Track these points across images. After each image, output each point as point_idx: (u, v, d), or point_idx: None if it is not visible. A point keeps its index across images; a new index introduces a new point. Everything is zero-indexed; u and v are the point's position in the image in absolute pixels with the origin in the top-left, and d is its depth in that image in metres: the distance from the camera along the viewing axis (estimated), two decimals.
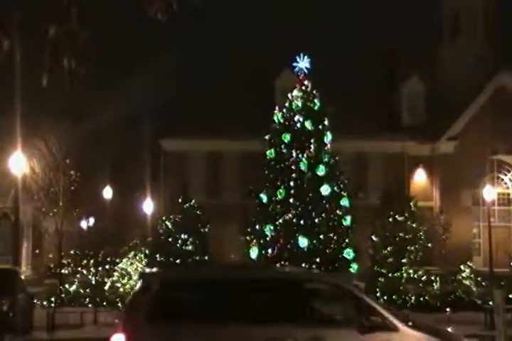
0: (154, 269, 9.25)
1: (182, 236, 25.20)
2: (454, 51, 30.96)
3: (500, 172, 29.69)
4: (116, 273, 19.92)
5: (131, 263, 20.56)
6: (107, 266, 20.28)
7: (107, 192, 22.18)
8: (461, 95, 29.15)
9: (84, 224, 27.53)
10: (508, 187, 29.73)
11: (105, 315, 15.76)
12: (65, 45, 4.18)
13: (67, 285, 19.24)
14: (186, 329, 6.55)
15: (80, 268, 20.84)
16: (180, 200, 25.82)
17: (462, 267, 21.52)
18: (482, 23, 31.39)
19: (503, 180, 29.72)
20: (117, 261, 20.74)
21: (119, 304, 16.98)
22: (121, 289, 18.24)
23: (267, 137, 23.14)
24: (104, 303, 17.52)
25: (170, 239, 25.10)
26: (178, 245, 25.06)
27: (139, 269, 19.91)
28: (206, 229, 26.01)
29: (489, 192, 25.47)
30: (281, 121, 22.99)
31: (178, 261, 24.83)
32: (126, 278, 19.77)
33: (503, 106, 28.57)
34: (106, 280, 19.26)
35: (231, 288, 6.80)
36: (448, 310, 17.41)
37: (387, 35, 32.05)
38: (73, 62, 4.27)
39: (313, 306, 6.91)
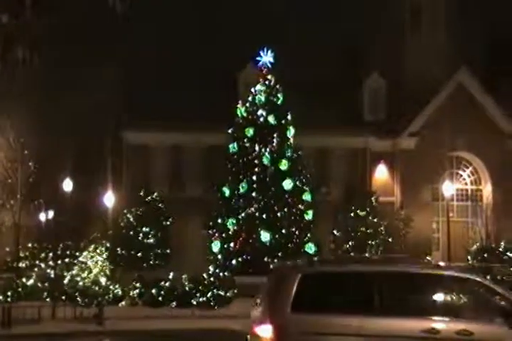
0: (294, 261, 9.47)
1: (143, 229, 25.06)
2: (415, 48, 31.30)
3: (459, 168, 30.20)
4: (76, 267, 19.67)
5: (92, 257, 20.33)
6: (67, 260, 20.01)
7: (67, 185, 21.83)
8: (423, 92, 29.54)
9: (42, 217, 27.08)
10: (466, 183, 30.28)
11: (64, 309, 15.51)
12: (18, 34, 4.06)
13: (24, 279, 18.89)
14: (334, 320, 6.76)
15: (38, 262, 20.51)
16: (142, 193, 25.65)
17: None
18: (443, 20, 31.79)
19: (461, 176, 30.26)
20: (77, 254, 20.47)
21: (78, 298, 16.76)
22: (80, 283, 17.98)
23: (230, 131, 23.11)
24: (63, 298, 17.25)
25: (131, 232, 24.94)
26: (139, 238, 24.93)
27: (99, 262, 19.72)
28: (168, 222, 25.91)
29: (448, 188, 25.95)
30: (245, 115, 23.00)
31: (139, 254, 24.71)
32: (86, 271, 19.54)
33: (462, 104, 29.04)
34: (65, 273, 18.98)
35: (377, 281, 6.97)
36: None
37: (350, 31, 32.19)
38: (27, 52, 4.15)
39: (460, 300, 7.08)
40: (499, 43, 31.09)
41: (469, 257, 24.50)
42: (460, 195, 29.97)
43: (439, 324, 6.67)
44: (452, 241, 26.31)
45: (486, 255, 22.83)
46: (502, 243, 24.37)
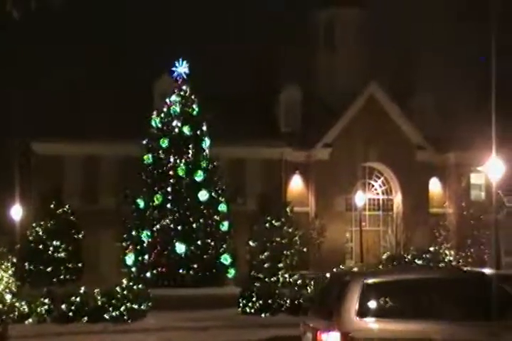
0: (354, 270, 9.51)
1: (54, 242, 24.22)
2: (330, 61, 32.10)
3: (371, 178, 31.09)
4: None
5: None
6: None
7: None
8: (337, 104, 30.30)
9: None
10: (378, 193, 31.19)
11: None
12: None
13: None
14: (402, 326, 6.93)
15: None
16: (52, 206, 24.79)
17: (335, 270, 22.24)
18: (357, 33, 32.72)
19: (373, 186, 31.15)
20: None
21: None
22: None
23: (144, 142, 22.79)
24: None
25: (40, 246, 24.04)
26: (49, 252, 24.06)
27: (5, 279, 18.77)
28: (80, 236, 25.17)
29: (361, 198, 26.64)
30: (159, 125, 22.77)
31: (49, 268, 23.82)
32: None
33: (373, 116, 29.96)
34: None
35: (437, 288, 7.24)
36: None
37: (268, 43, 32.57)
38: None
39: None
40: (411, 57, 32.27)
41: (380, 266, 25.14)
42: (372, 205, 30.82)
43: (503, 328, 6.96)
44: (365, 249, 27.03)
45: (395, 263, 23.50)
46: (411, 251, 25.21)
